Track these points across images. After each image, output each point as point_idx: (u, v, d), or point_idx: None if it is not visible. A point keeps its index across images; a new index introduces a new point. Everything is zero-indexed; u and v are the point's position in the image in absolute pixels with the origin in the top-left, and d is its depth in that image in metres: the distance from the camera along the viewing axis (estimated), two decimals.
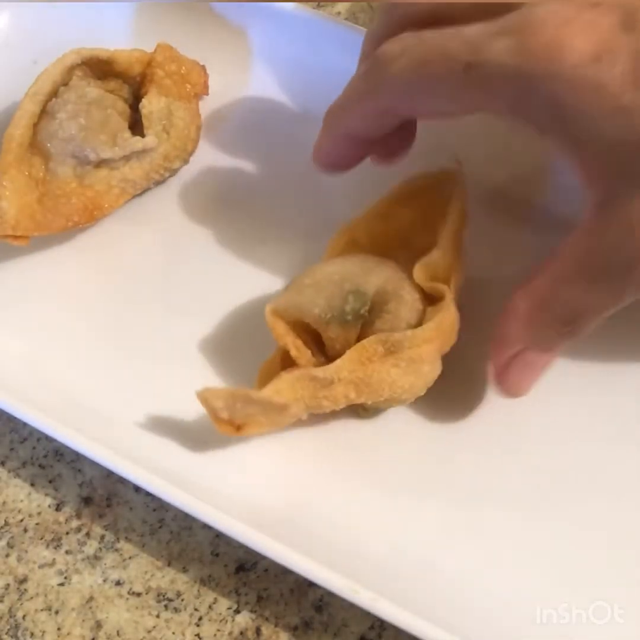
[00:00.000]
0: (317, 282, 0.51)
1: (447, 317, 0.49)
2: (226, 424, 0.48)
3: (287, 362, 0.51)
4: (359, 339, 0.49)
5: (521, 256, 0.56)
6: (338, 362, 0.48)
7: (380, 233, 0.55)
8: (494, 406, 0.53)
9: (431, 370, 0.50)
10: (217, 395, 0.47)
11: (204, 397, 0.47)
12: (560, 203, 0.57)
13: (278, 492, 0.52)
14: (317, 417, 0.53)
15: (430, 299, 0.51)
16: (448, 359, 0.51)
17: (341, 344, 0.50)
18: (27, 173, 0.56)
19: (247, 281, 0.57)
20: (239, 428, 0.48)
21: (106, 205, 0.57)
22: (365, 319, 0.50)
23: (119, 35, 0.64)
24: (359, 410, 0.53)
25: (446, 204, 0.52)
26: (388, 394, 0.49)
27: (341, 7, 0.70)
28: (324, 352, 0.51)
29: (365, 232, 0.55)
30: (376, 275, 0.50)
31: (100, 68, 0.59)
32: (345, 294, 0.50)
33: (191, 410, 0.53)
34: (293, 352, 0.50)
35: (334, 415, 0.53)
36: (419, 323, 0.50)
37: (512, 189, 0.59)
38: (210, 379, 0.54)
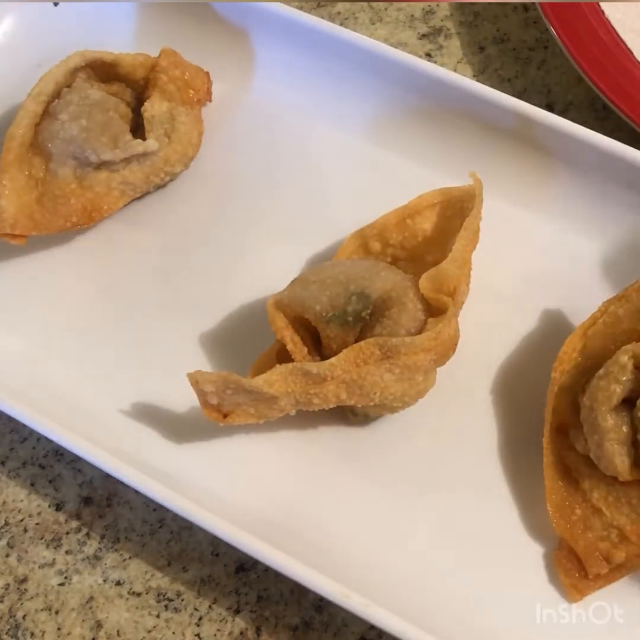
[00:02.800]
0: (322, 279, 0.51)
1: (446, 330, 0.49)
2: (214, 410, 0.48)
3: (282, 358, 0.51)
4: (356, 342, 0.49)
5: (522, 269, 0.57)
6: (333, 359, 0.48)
7: (394, 243, 0.54)
8: (485, 421, 0.53)
9: (424, 380, 0.50)
10: (208, 379, 0.47)
11: (195, 379, 0.47)
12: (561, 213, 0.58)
13: (275, 498, 0.52)
14: (311, 423, 0.53)
15: (432, 311, 0.50)
16: (442, 374, 0.51)
17: (338, 344, 0.50)
18: (27, 173, 0.56)
19: (244, 284, 0.57)
20: (225, 416, 0.48)
21: (105, 207, 0.57)
22: (365, 322, 0.50)
23: (124, 40, 0.63)
24: (349, 414, 0.53)
25: (461, 223, 0.52)
26: (379, 399, 0.49)
27: (341, 7, 0.70)
28: (320, 352, 0.51)
29: (379, 239, 0.55)
30: (382, 280, 0.50)
31: (104, 71, 0.59)
32: (349, 294, 0.50)
33: (190, 412, 0.53)
34: (290, 347, 0.50)
35: (327, 422, 0.53)
36: (419, 333, 0.49)
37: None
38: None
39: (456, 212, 0.54)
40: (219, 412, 0.48)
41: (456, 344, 0.50)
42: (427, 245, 0.54)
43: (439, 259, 0.51)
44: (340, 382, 0.48)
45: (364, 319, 0.50)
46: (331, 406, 0.49)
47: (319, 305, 0.50)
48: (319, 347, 0.51)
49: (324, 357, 0.50)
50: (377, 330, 0.49)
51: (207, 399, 0.48)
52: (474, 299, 0.54)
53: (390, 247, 0.55)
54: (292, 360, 0.50)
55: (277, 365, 0.48)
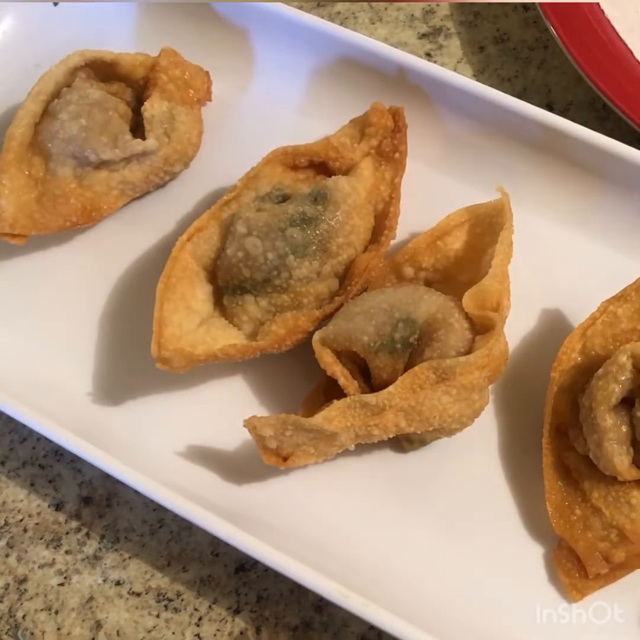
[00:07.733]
0: (366, 310, 0.50)
1: (497, 346, 0.48)
2: (273, 454, 0.47)
3: (329, 393, 0.50)
4: (406, 368, 0.49)
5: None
6: (390, 388, 0.47)
7: (427, 266, 0.54)
8: (485, 421, 0.53)
9: (480, 398, 0.49)
10: (267, 422, 0.46)
11: (252, 425, 0.46)
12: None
13: (274, 497, 0.52)
14: None
15: (477, 329, 0.50)
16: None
17: (388, 373, 0.49)
18: (27, 172, 0.56)
19: None
20: (285, 459, 0.47)
21: (105, 207, 0.57)
22: (413, 348, 0.49)
23: (124, 40, 0.64)
24: (404, 443, 0.52)
25: (491, 239, 0.52)
26: (438, 422, 0.48)
27: (341, 6, 0.70)
28: (369, 383, 0.50)
29: (411, 264, 0.54)
30: (427, 304, 0.50)
31: (103, 70, 0.59)
32: (395, 322, 0.49)
33: (189, 411, 0.53)
34: (342, 381, 0.49)
35: None
36: (468, 352, 0.49)
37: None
38: (208, 375, 0.55)
39: (485, 228, 0.54)
40: (279, 455, 0.47)
41: (507, 359, 0.50)
42: (459, 265, 0.54)
43: (473, 277, 0.51)
44: (398, 410, 0.47)
45: (412, 345, 0.49)
46: (390, 436, 0.48)
47: (366, 335, 0.49)
48: (367, 379, 0.50)
49: (373, 388, 0.49)
50: (427, 354, 0.49)
51: (266, 443, 0.46)
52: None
53: (422, 271, 0.54)
54: (342, 395, 0.49)
55: (335, 401, 0.48)
